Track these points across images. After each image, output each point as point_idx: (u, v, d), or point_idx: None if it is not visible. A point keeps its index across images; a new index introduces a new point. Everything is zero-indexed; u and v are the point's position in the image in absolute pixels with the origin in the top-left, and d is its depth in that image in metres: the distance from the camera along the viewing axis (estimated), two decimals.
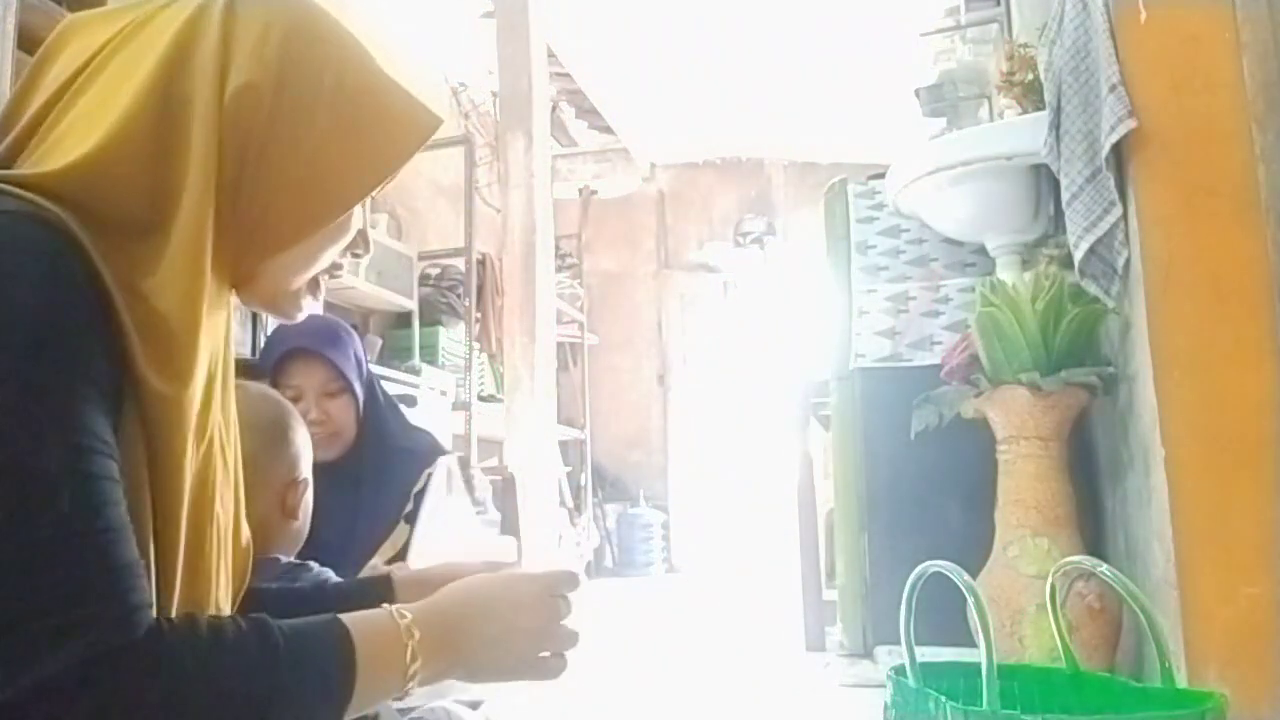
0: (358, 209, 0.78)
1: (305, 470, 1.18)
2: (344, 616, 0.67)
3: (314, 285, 0.80)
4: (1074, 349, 1.73)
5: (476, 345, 4.29)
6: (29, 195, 0.60)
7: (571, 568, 0.80)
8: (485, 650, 0.73)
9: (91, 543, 0.56)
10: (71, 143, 0.64)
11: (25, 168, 0.65)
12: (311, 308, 0.82)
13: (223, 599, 0.75)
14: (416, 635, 0.68)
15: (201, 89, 0.65)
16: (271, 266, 0.74)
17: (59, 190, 0.61)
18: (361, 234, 0.82)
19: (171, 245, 0.64)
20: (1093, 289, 1.67)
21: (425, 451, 1.71)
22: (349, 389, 1.63)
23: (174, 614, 0.65)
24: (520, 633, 0.74)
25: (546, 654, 0.76)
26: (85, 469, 0.57)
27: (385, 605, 0.70)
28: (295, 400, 1.58)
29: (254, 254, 0.72)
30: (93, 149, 0.63)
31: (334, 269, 0.81)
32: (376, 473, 1.63)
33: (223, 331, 0.75)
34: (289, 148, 0.69)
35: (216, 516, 0.72)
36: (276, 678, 0.61)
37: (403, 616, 0.69)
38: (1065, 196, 1.70)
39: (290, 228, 0.72)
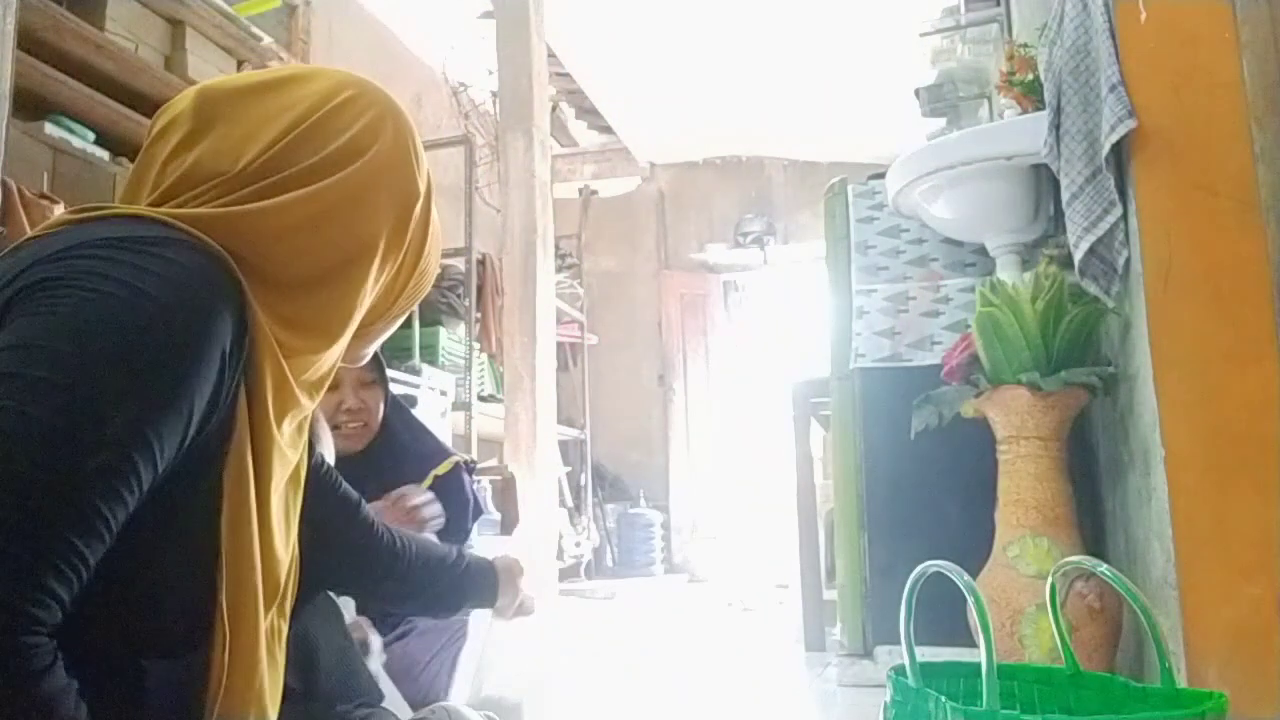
0: None
1: None
2: None
3: None
4: (1074, 349, 1.72)
5: (476, 345, 4.29)
6: (197, 232, 0.68)
7: None
8: None
9: (48, 528, 0.57)
10: (258, 198, 0.73)
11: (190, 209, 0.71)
12: None
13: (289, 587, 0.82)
14: None
15: (384, 197, 0.78)
16: (371, 331, 0.87)
17: (225, 232, 0.69)
18: None
19: (316, 304, 0.75)
20: (1093, 289, 1.67)
21: (432, 453, 1.72)
22: (380, 380, 1.67)
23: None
24: None
25: None
26: (124, 463, 0.60)
27: None
28: (333, 389, 1.59)
29: (366, 321, 0.83)
30: (272, 205, 0.72)
31: None
32: (384, 471, 1.64)
33: None
34: (422, 247, 0.84)
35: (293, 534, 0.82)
36: None
37: None
38: (1065, 196, 1.69)
39: (409, 305, 0.88)
